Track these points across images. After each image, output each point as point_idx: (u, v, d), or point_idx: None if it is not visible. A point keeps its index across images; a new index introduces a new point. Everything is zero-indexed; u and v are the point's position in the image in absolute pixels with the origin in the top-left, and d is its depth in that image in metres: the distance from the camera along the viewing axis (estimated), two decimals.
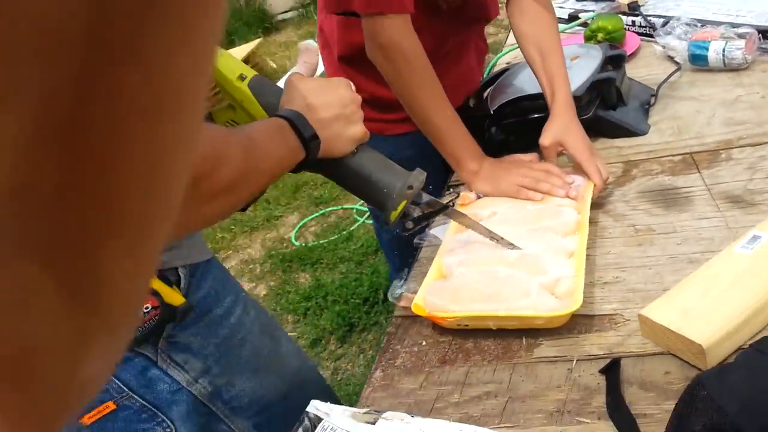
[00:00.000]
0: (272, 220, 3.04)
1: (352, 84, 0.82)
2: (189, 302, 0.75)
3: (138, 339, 0.72)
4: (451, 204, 0.90)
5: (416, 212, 0.86)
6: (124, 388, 0.74)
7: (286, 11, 6.82)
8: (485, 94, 1.37)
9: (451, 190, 1.24)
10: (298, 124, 0.72)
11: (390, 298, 0.97)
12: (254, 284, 2.64)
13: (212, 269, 0.84)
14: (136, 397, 0.74)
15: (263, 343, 0.89)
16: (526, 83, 1.28)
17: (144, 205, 0.17)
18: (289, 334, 2.26)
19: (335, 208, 2.96)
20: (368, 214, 2.79)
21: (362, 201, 2.87)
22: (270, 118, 0.74)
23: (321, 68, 1.32)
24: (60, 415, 0.18)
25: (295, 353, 0.96)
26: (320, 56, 1.06)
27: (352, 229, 2.74)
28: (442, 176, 1.39)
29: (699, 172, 1.05)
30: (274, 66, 4.99)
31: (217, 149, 0.61)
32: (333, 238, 2.73)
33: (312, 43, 0.87)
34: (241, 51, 4.83)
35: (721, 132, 1.13)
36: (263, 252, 2.83)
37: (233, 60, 0.82)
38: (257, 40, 5.15)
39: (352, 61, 1.28)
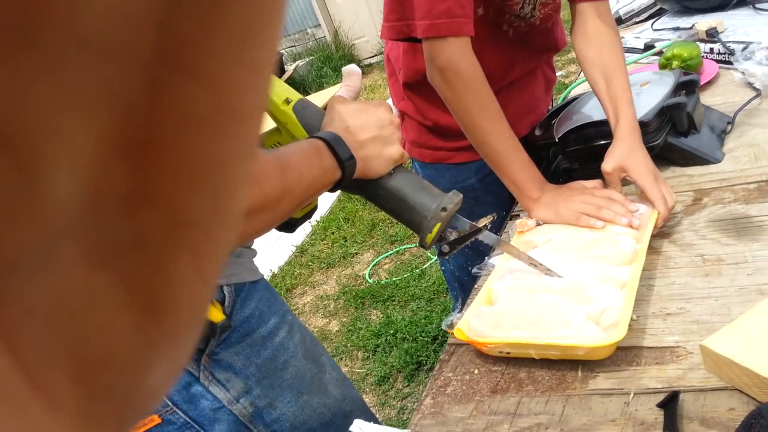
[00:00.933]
0: (348, 258, 3.08)
1: (392, 106, 0.82)
2: (230, 320, 0.76)
3: None
4: (487, 227, 0.87)
5: (452, 235, 0.84)
6: (169, 402, 0.74)
7: (373, 55, 7.04)
8: (552, 123, 1.35)
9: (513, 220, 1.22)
10: (334, 145, 0.73)
11: (444, 327, 0.95)
12: (327, 320, 2.66)
13: (259, 290, 0.85)
14: (179, 412, 0.75)
15: (306, 367, 0.89)
16: (592, 111, 1.25)
17: (207, 215, 0.17)
18: (357, 370, 2.27)
19: (409, 246, 2.96)
20: None
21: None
22: (308, 139, 0.76)
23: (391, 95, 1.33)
24: (127, 421, 0.18)
25: (340, 381, 0.94)
26: (385, 81, 1.07)
27: (424, 267, 2.73)
28: (506, 206, 1.36)
29: None
30: None
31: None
32: (405, 275, 2.72)
33: (355, 68, 0.88)
34: (327, 93, 4.98)
35: None
36: (338, 288, 2.86)
37: (280, 84, 0.85)
38: (341, 84, 5.30)
39: (416, 88, 1.30)
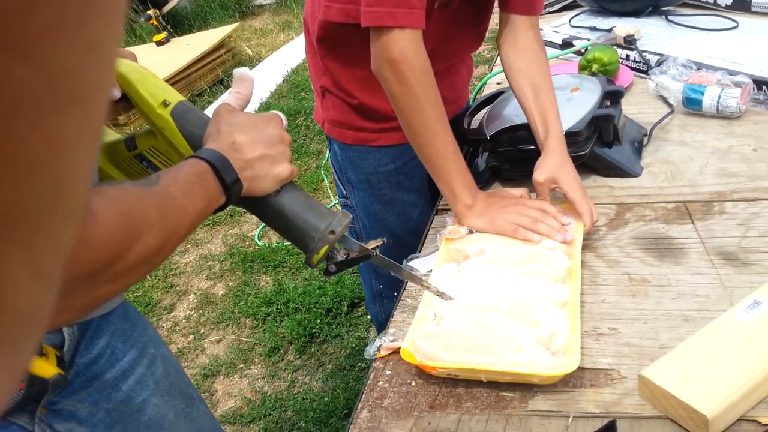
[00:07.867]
0: (236, 216, 2.96)
1: (283, 119, 0.77)
2: (68, 370, 0.67)
3: (6, 411, 0.62)
4: (374, 252, 0.86)
5: (340, 256, 0.83)
6: None
7: None
8: (481, 118, 1.35)
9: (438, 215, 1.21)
10: (220, 169, 0.67)
11: (368, 356, 0.92)
12: (212, 282, 2.56)
13: (112, 322, 0.75)
14: None
15: (170, 405, 0.81)
16: (520, 111, 1.26)
17: (42, 207, 0.16)
18: (246, 339, 2.21)
19: None
20: None
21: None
22: (191, 159, 0.68)
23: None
24: None
25: (208, 415, 0.88)
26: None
27: None
28: (425, 193, 1.36)
29: (693, 223, 1.04)
30: (250, 53, 4.88)
31: (133, 222, 0.55)
32: None
33: (247, 73, 0.80)
34: (216, 34, 4.73)
35: (713, 183, 1.13)
36: (224, 249, 2.76)
37: (158, 84, 0.77)
38: (233, 25, 5.04)
39: (330, 46, 1.24)
